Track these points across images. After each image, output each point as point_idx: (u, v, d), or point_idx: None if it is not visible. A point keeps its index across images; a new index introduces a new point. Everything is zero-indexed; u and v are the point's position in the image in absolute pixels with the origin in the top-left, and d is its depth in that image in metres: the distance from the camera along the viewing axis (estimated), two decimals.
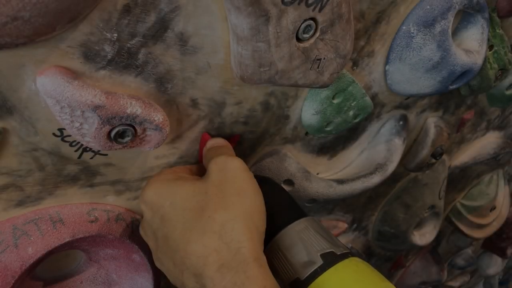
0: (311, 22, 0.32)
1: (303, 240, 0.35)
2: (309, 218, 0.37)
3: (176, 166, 0.39)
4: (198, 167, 0.40)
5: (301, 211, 0.38)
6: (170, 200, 0.32)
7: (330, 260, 0.33)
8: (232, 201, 0.31)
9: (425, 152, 0.60)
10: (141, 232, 0.36)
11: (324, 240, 0.35)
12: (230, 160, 0.34)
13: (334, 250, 0.34)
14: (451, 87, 0.49)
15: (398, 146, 0.54)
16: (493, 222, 0.93)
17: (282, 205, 0.38)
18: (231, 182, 0.32)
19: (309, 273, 0.33)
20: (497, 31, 0.52)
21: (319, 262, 0.33)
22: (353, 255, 0.34)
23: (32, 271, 0.38)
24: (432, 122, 0.60)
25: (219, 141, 0.38)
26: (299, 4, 0.30)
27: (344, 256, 0.33)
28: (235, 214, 0.31)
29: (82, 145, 0.33)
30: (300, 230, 0.35)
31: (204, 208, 0.31)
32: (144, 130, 0.31)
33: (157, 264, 0.34)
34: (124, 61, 0.30)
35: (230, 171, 0.33)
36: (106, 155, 0.35)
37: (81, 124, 0.29)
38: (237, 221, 0.30)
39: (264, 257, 0.30)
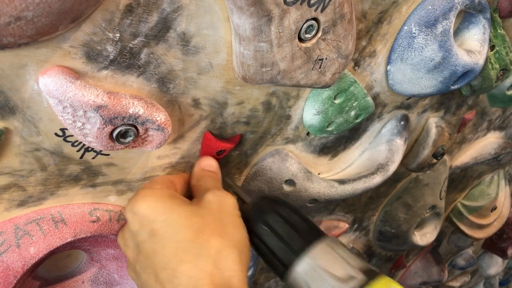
0: (313, 22, 0.32)
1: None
2: (328, 239, 0.37)
3: (169, 174, 0.39)
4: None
5: (317, 231, 0.38)
6: (164, 217, 0.32)
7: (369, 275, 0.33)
8: (229, 231, 0.32)
9: (426, 152, 0.60)
10: (120, 240, 0.35)
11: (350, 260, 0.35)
12: (228, 196, 0.35)
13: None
14: (452, 87, 0.49)
15: (400, 146, 0.54)
16: (494, 222, 0.93)
17: (299, 227, 0.38)
18: (228, 215, 0.34)
19: None
20: (499, 31, 0.52)
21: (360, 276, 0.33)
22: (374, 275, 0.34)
23: (34, 271, 0.38)
24: (433, 122, 0.60)
25: (213, 164, 0.39)
26: (301, 4, 0.30)
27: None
28: (230, 243, 0.31)
29: (84, 145, 0.33)
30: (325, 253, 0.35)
31: (200, 230, 0.31)
32: (146, 130, 0.32)
33: (131, 275, 0.34)
34: (126, 61, 0.30)
35: (228, 206, 0.34)
36: (108, 155, 0.35)
37: (83, 124, 0.29)
38: (232, 251, 0.31)
39: None
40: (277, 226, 0.37)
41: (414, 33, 0.43)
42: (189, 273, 0.29)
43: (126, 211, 0.34)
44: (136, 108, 0.30)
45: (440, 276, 0.97)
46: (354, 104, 0.45)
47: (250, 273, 0.55)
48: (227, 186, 0.42)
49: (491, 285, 1.44)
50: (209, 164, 0.39)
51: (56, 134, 0.31)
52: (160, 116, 0.31)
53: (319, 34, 0.33)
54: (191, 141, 0.38)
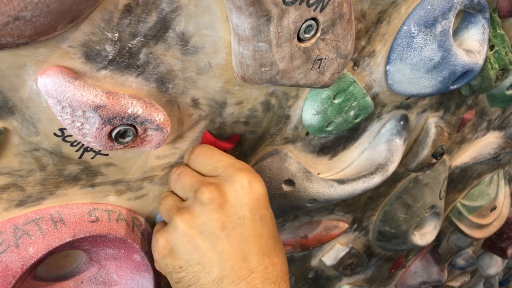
0: (312, 22, 0.32)
1: None
2: None
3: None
4: None
5: None
6: (270, 210, 0.36)
7: None
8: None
9: (425, 152, 0.60)
10: (161, 262, 0.35)
11: None
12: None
13: None
14: (452, 87, 0.49)
15: (399, 146, 0.54)
16: (494, 222, 0.93)
17: None
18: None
19: None
20: (498, 31, 0.52)
21: None
22: None
23: (33, 271, 0.38)
24: (432, 122, 0.60)
25: None
26: (300, 4, 0.30)
27: None
28: None
29: (83, 145, 0.33)
30: None
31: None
32: (145, 130, 0.31)
33: (190, 232, 0.33)
34: (125, 61, 0.30)
35: None
36: (107, 155, 0.35)
37: (82, 124, 0.29)
38: None
39: None
40: None
41: (413, 33, 0.43)
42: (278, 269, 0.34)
43: (239, 174, 0.34)
44: (135, 108, 0.30)
45: (440, 276, 0.97)
46: (353, 104, 0.45)
47: None
48: None
49: (491, 285, 1.44)
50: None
51: (55, 134, 0.31)
52: (159, 116, 0.31)
53: (318, 34, 0.33)
54: (190, 141, 0.38)
